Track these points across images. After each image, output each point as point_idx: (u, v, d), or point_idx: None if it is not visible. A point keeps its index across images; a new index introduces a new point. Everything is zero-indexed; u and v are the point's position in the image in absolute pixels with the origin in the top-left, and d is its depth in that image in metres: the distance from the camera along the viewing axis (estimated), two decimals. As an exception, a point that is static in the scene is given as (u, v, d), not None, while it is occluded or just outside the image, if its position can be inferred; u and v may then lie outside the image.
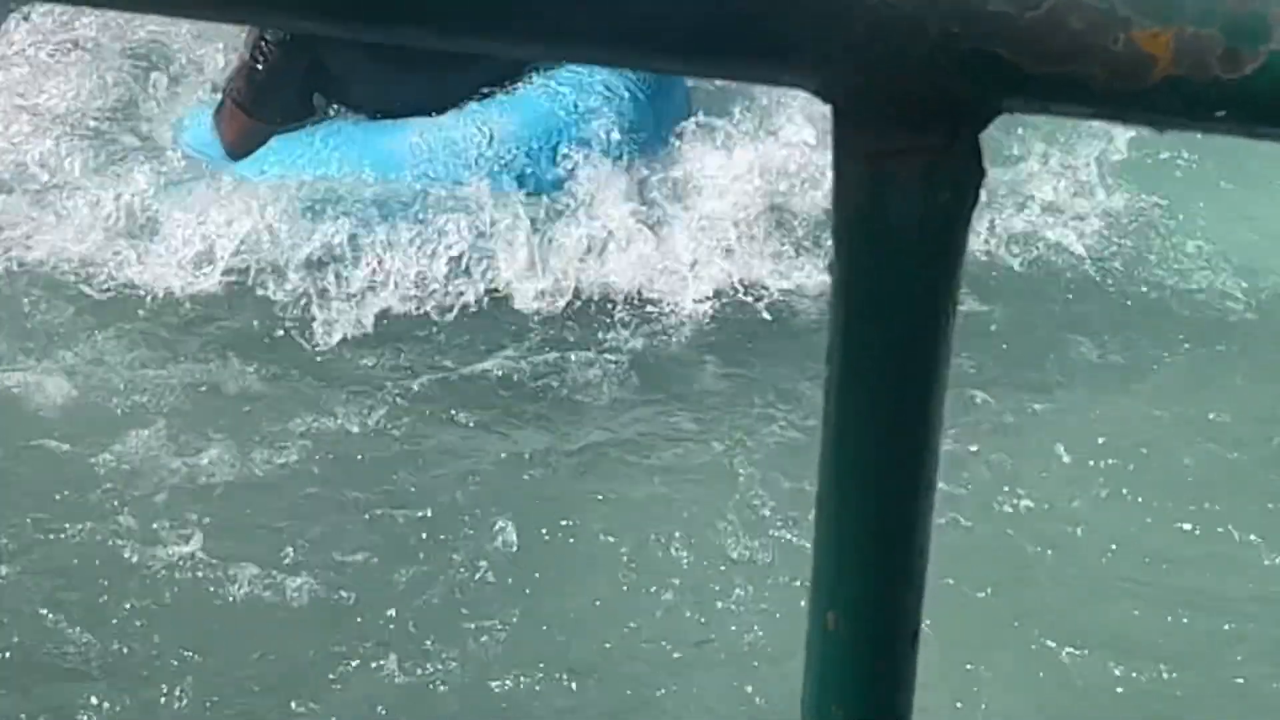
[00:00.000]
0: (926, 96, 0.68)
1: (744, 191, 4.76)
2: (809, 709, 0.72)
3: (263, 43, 4.68)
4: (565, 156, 4.86)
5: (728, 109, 5.15)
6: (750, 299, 4.37)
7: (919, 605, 0.72)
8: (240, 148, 4.72)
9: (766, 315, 4.33)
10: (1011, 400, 3.98)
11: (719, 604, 3.36)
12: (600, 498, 3.69)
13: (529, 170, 4.78)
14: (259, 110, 4.70)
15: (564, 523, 3.56)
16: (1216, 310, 4.30)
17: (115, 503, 3.53)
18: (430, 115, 4.77)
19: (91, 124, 4.84)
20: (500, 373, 4.06)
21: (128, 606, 3.30)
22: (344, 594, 3.32)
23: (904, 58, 0.67)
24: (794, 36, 0.67)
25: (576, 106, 4.96)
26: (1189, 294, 4.39)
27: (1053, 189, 4.74)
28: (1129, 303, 4.41)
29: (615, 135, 4.95)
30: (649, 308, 4.34)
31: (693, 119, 5.13)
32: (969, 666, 3.25)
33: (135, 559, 3.37)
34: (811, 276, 4.44)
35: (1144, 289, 4.44)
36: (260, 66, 4.70)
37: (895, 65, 0.67)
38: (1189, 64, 0.66)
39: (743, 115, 5.09)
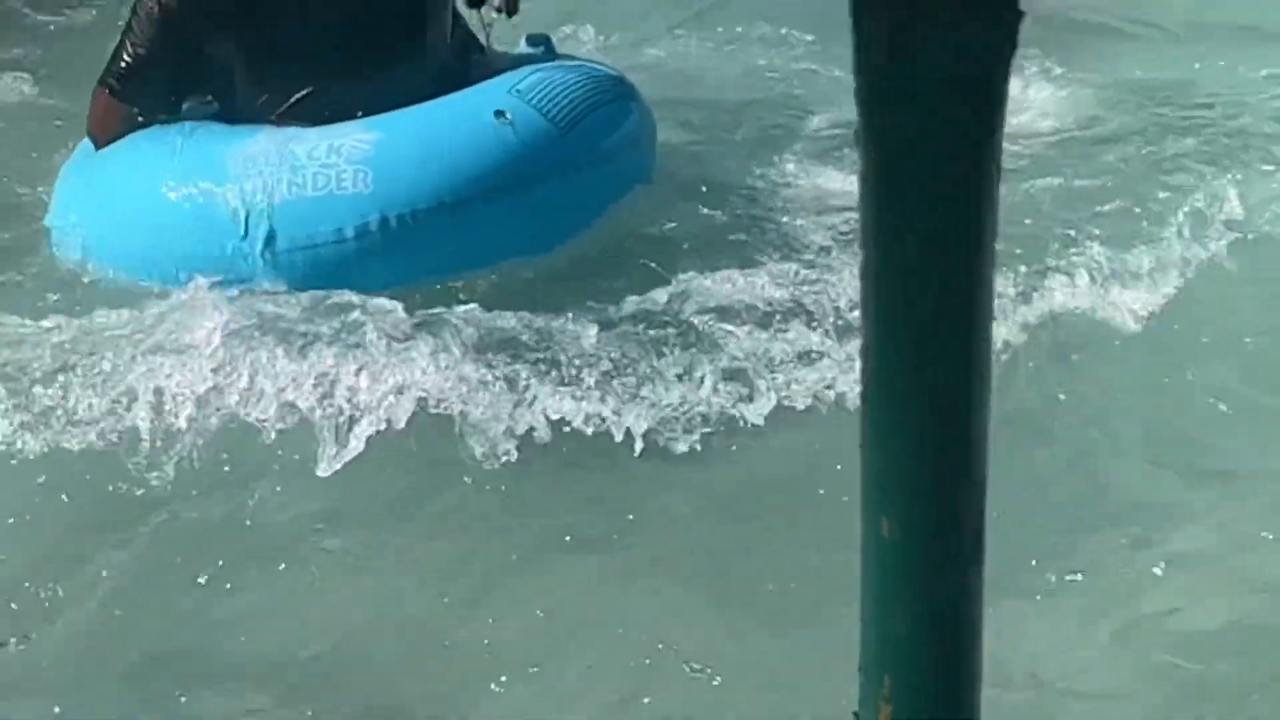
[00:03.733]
0: (951, -69, 0.61)
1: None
2: (868, 625, 0.66)
3: (134, 21, 4.33)
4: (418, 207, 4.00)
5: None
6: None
7: (981, 502, 0.65)
8: (103, 132, 4.34)
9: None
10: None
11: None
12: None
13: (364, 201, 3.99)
14: (125, 92, 4.33)
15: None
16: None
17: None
18: (303, 125, 4.18)
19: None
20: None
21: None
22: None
23: (923, -111, 0.60)
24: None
25: (467, 133, 4.08)
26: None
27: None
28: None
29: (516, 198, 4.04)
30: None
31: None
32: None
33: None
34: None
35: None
36: (130, 45, 4.33)
37: (914, -102, 0.61)
38: None
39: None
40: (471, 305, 3.86)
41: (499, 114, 4.06)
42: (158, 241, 4.06)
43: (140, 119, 4.29)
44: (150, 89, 4.31)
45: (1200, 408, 3.69)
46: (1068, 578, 3.16)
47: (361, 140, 4.01)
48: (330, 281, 3.92)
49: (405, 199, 3.97)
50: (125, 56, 4.31)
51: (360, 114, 4.12)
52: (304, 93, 4.22)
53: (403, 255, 3.96)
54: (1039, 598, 3.13)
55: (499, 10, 4.59)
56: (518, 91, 4.15)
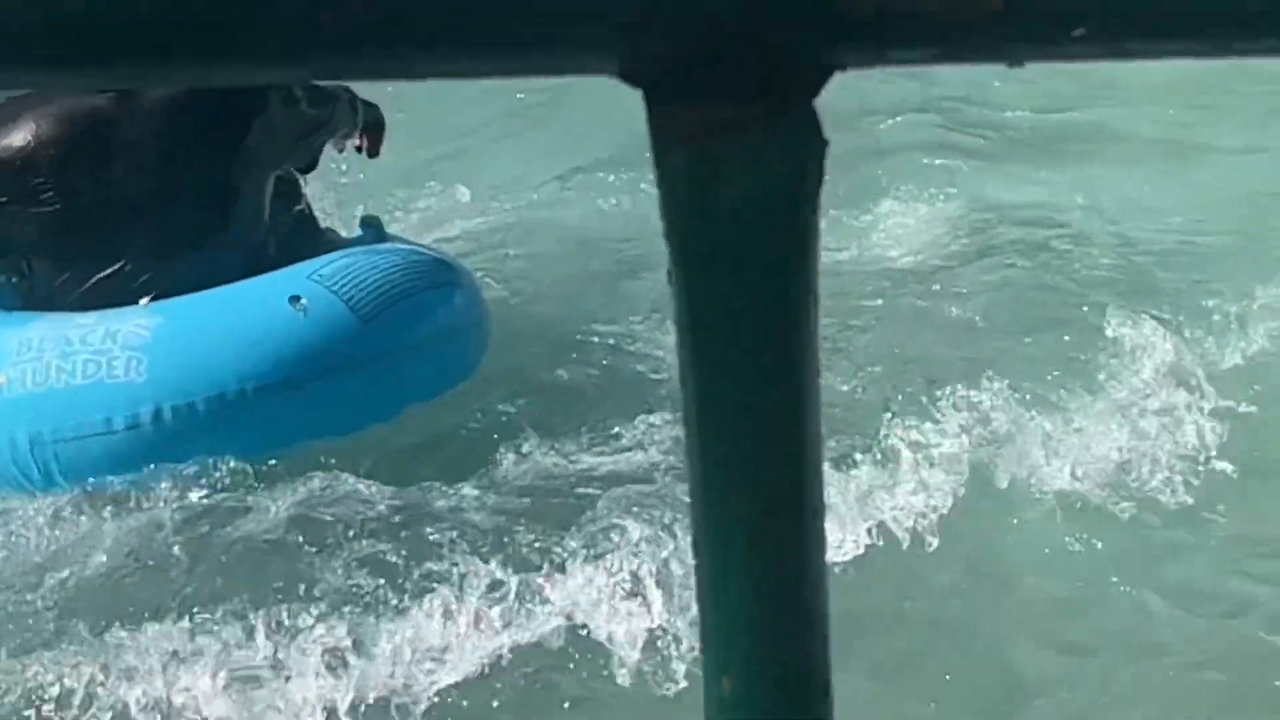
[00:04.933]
0: (747, 59, 0.59)
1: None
2: (713, 793, 0.62)
3: None
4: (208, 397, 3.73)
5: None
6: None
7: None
8: None
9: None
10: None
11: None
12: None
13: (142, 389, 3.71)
14: None
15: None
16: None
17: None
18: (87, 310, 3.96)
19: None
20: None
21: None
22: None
23: (715, 17, 0.58)
24: (583, 10, 0.58)
25: (257, 323, 3.82)
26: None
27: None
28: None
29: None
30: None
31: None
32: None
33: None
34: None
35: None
36: None
37: (705, 27, 0.58)
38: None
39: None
40: (313, 504, 3.72)
41: (294, 300, 3.85)
42: None
43: None
44: None
45: (1091, 550, 3.69)
46: None
47: (140, 326, 3.80)
48: (102, 474, 3.70)
49: (181, 388, 3.73)
50: None
51: (168, 295, 3.93)
52: (105, 273, 4.07)
53: (178, 447, 3.71)
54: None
55: (359, 149, 4.52)
56: (319, 276, 3.94)
